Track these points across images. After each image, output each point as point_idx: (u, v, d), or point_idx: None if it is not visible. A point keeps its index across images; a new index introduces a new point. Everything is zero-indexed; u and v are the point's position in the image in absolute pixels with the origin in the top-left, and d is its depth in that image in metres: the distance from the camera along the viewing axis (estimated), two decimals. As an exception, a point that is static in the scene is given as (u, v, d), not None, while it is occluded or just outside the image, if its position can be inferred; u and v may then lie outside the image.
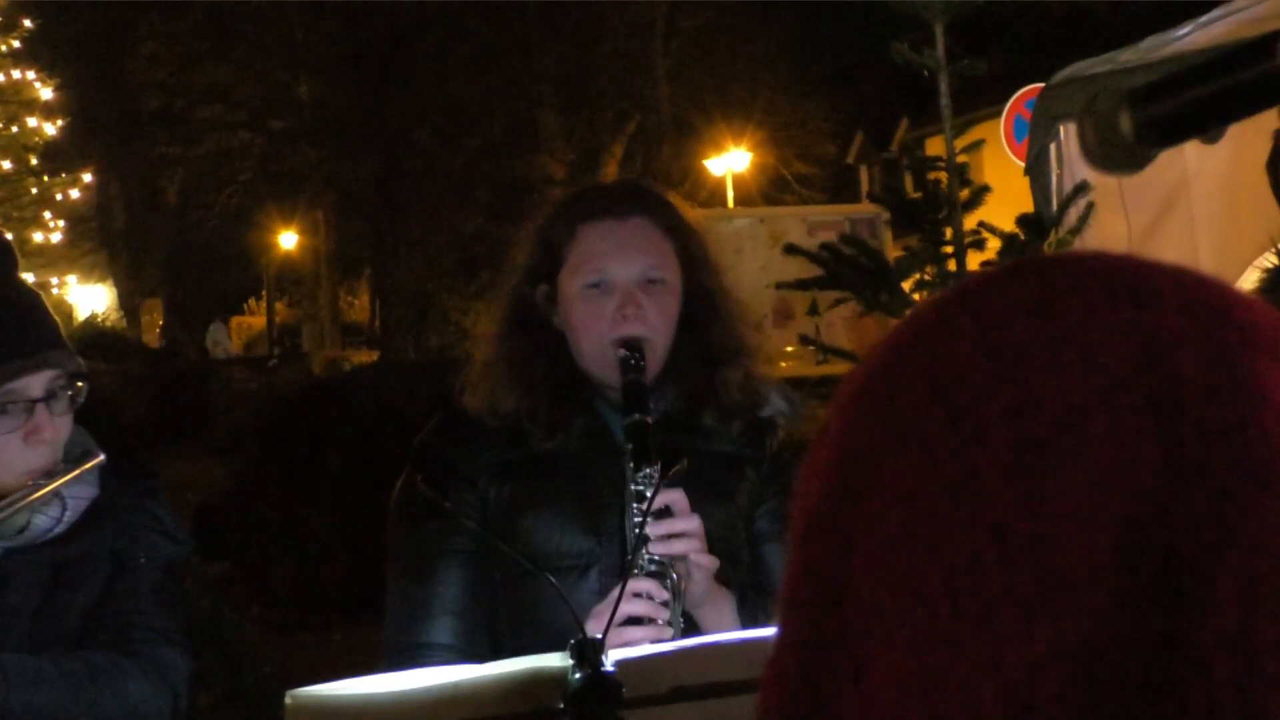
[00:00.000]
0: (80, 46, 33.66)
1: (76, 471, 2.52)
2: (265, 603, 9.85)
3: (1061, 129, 5.30)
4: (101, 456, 2.57)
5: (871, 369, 0.78)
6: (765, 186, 34.13)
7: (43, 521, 2.53)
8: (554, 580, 2.49)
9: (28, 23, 31.36)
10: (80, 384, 2.57)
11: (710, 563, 2.50)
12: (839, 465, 0.75)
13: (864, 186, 40.55)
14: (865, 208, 16.65)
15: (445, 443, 2.72)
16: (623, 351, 2.58)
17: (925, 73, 5.14)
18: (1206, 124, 1.18)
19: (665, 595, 2.41)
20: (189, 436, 21.33)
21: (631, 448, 2.50)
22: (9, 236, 2.70)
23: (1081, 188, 5.02)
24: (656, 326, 2.63)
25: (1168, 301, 0.73)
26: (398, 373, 14.89)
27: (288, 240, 40.89)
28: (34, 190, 31.53)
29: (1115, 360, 0.72)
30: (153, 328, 41.26)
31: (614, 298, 2.62)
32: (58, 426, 2.53)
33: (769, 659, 0.77)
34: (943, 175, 5.19)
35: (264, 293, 44.53)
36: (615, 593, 2.35)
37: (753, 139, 32.69)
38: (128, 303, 40.62)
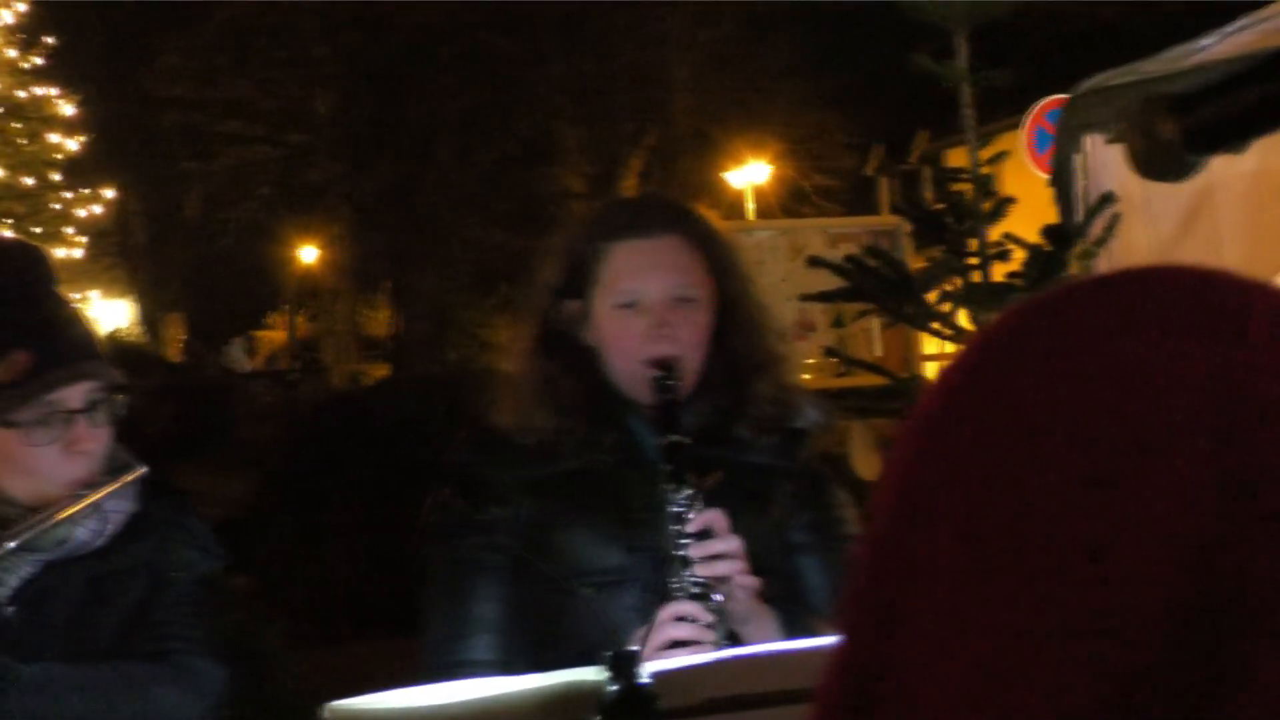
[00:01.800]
0: (101, 62, 33.81)
1: (118, 483, 2.54)
2: (285, 616, 9.86)
3: (1087, 140, 5.28)
4: (143, 469, 2.59)
5: (941, 390, 0.76)
6: (785, 199, 34.10)
7: (82, 534, 2.54)
8: (590, 595, 2.51)
9: (49, 39, 31.54)
10: (119, 395, 2.57)
11: (752, 583, 2.50)
12: (902, 489, 0.74)
13: (883, 198, 40.49)
14: (886, 220, 16.60)
15: (476, 459, 2.72)
16: (656, 372, 2.58)
17: (946, 84, 5.12)
18: (1256, 130, 1.16)
19: (709, 618, 2.41)
20: (210, 450, 21.34)
21: (667, 469, 2.50)
22: None
23: (1107, 198, 5.00)
24: (688, 345, 2.63)
25: (1254, 330, 0.70)
26: (416, 386, 14.91)
27: (307, 254, 40.96)
28: (56, 206, 31.70)
29: (1187, 393, 0.68)
30: (174, 342, 41.34)
31: (645, 318, 2.63)
32: (97, 438, 2.54)
33: (822, 678, 0.76)
34: (966, 187, 5.17)
35: (284, 306, 44.58)
36: (657, 618, 2.37)
37: (772, 151, 32.64)
38: (149, 317, 40.72)
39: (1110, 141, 5.09)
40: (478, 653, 2.61)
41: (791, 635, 2.52)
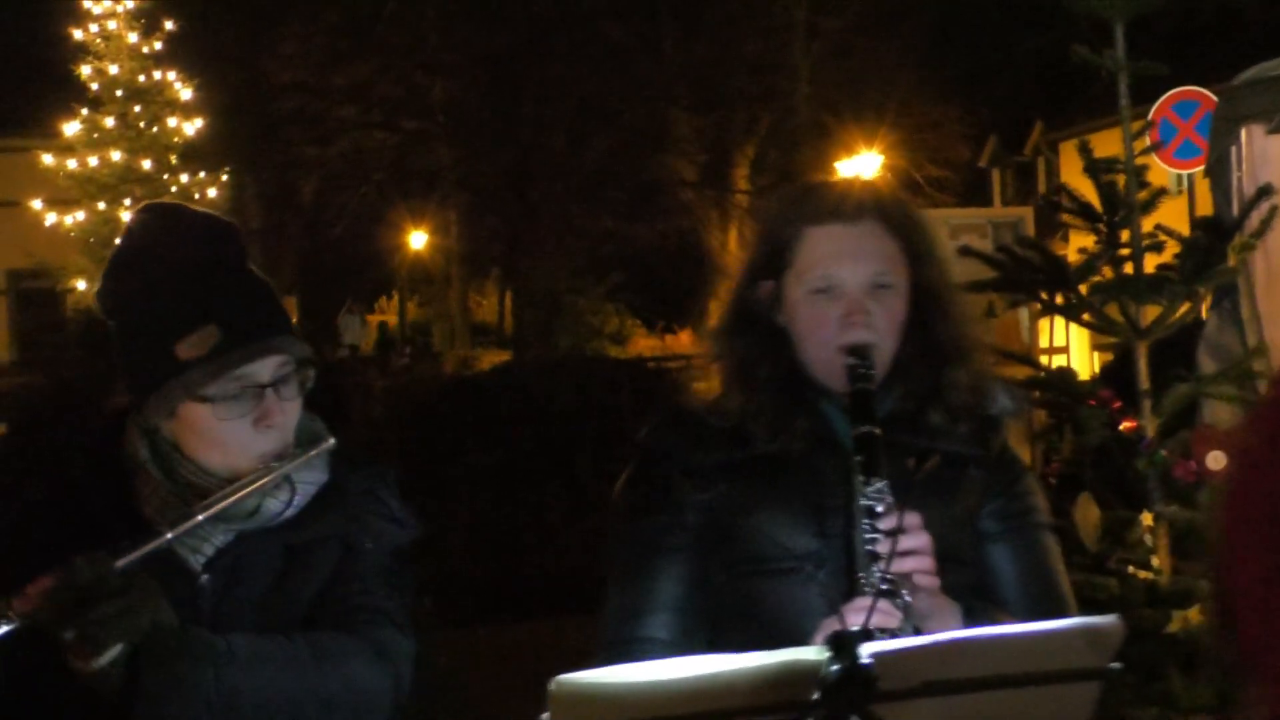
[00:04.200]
0: (220, 48, 34.17)
1: (306, 456, 2.56)
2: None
3: (1243, 131, 5.20)
4: (331, 442, 2.60)
5: None
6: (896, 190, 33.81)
7: (273, 505, 2.56)
8: (778, 579, 2.52)
9: (169, 25, 31.96)
10: (309, 370, 2.60)
11: (934, 583, 2.47)
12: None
13: (996, 189, 40.17)
14: (1009, 210, 16.46)
15: (669, 441, 2.71)
16: (851, 359, 2.56)
17: (1105, 73, 5.07)
18: None
19: (897, 615, 2.39)
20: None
21: (860, 460, 2.48)
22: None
23: (1265, 190, 4.93)
24: (884, 332, 2.61)
25: None
26: (535, 372, 14.95)
27: (417, 240, 41.23)
28: (173, 189, 32.11)
29: None
30: (287, 325, 41.60)
31: (841, 303, 2.60)
32: (286, 411, 2.56)
33: (1213, 645, 0.77)
34: (1119, 177, 5.12)
35: (395, 292, 44.88)
36: (843, 612, 2.37)
37: (884, 142, 32.43)
38: (263, 300, 41.03)
39: (1271, 132, 5.02)
40: (655, 630, 2.61)
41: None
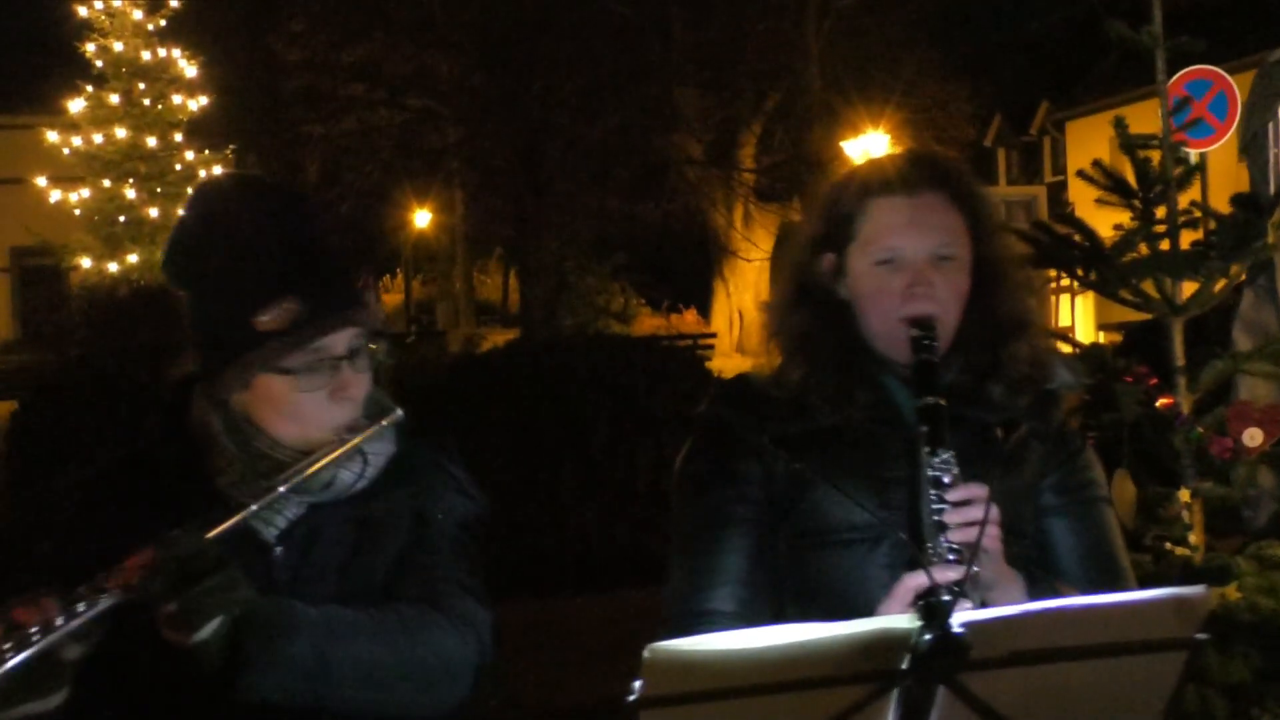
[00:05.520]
0: (226, 25, 34.07)
1: (378, 426, 2.57)
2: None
3: (1280, 108, 5.19)
4: (400, 413, 2.61)
5: None
6: (901, 170, 33.75)
7: (346, 477, 2.58)
8: (841, 551, 2.52)
9: (174, 2, 31.92)
10: (380, 342, 2.61)
11: (1000, 551, 2.48)
12: None
13: (1001, 169, 40.17)
14: (1024, 189, 16.49)
15: (730, 413, 2.71)
16: (914, 331, 2.57)
17: (1141, 49, 5.06)
18: None
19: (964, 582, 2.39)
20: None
21: (925, 431, 2.49)
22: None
23: (1303, 167, 4.92)
24: (947, 304, 2.62)
25: None
26: (546, 350, 14.90)
27: (422, 219, 41.16)
28: (178, 167, 32.07)
29: None
30: (292, 304, 41.56)
31: (904, 275, 2.61)
32: (360, 383, 2.58)
33: None
34: (1155, 153, 5.10)
35: (399, 270, 44.82)
36: (904, 581, 2.37)
37: (890, 121, 32.36)
38: (267, 279, 40.93)
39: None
40: (721, 603, 2.61)
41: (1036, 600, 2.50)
